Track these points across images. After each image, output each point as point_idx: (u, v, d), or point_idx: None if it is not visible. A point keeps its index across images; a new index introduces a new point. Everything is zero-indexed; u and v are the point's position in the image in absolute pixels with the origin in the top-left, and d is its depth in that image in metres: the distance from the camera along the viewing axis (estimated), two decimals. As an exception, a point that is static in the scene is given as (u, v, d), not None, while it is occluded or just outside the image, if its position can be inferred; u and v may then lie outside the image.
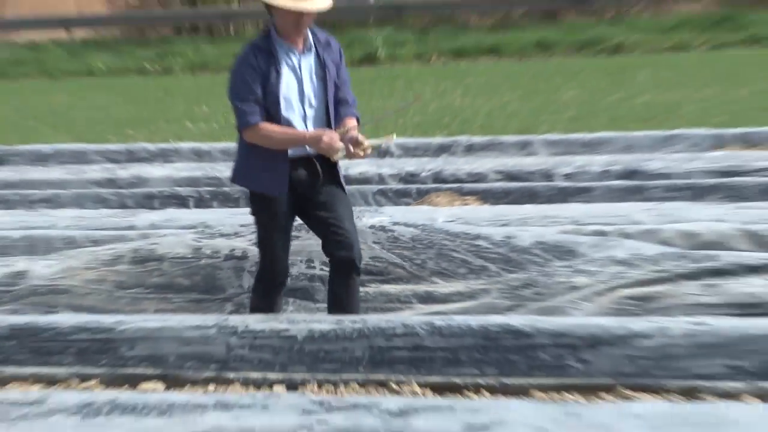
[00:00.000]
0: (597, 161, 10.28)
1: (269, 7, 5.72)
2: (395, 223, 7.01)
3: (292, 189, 5.83)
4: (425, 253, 6.87)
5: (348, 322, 5.97)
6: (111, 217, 8.74)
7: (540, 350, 5.81)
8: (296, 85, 5.83)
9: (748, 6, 23.65)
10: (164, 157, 11.48)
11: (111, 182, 10.23)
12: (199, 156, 11.42)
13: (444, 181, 9.72)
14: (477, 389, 5.81)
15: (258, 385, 5.92)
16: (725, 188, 9.19)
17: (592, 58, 22.02)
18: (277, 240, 5.92)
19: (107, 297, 6.94)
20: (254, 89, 5.78)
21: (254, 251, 6.82)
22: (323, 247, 5.94)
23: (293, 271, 6.90)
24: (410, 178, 9.62)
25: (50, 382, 6.16)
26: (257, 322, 6.15)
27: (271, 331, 5.97)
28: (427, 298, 6.61)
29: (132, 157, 11.59)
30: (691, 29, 22.65)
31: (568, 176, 9.67)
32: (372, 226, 7.01)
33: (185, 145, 11.97)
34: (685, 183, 9.36)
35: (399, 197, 9.30)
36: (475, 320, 5.93)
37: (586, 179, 9.76)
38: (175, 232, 7.82)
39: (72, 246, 7.77)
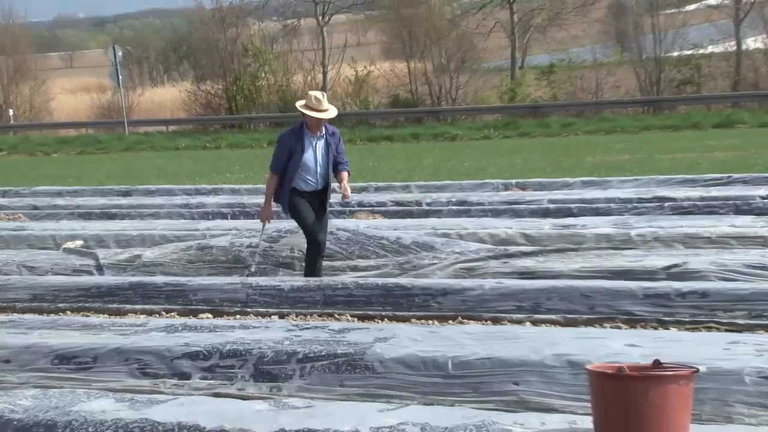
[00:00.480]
0: (444, 196, 12.07)
1: (303, 113, 7.53)
2: (338, 228, 7.66)
3: (308, 200, 7.58)
4: (354, 245, 7.62)
5: (312, 281, 6.84)
6: (186, 224, 9.87)
7: (415, 297, 6.88)
8: (312, 156, 7.62)
9: (521, 116, 25.53)
10: (215, 192, 14.42)
11: (186, 205, 12.89)
12: (234, 192, 14.27)
13: (363, 206, 10.71)
14: (382, 318, 6.86)
15: (263, 315, 7.00)
16: (511, 211, 10.63)
17: (440, 143, 23.84)
18: (308, 218, 7.48)
19: (183, 268, 7.69)
20: (282, 156, 7.61)
21: (263, 245, 7.63)
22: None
23: (285, 253, 8.08)
24: (346, 204, 10.50)
25: (150, 313, 7.23)
26: (263, 280, 7.01)
27: (270, 286, 6.90)
28: (354, 269, 7.60)
29: (198, 192, 14.53)
30: (491, 128, 29.36)
31: (429, 204, 10.60)
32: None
33: (226, 186, 15.13)
34: (490, 207, 10.88)
35: (339, 214, 10.76)
36: (380, 281, 7.17)
37: (438, 205, 11.20)
38: (220, 232, 8.64)
39: (165, 240, 9.10)
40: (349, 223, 9.14)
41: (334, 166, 7.73)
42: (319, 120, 7.48)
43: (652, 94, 31.61)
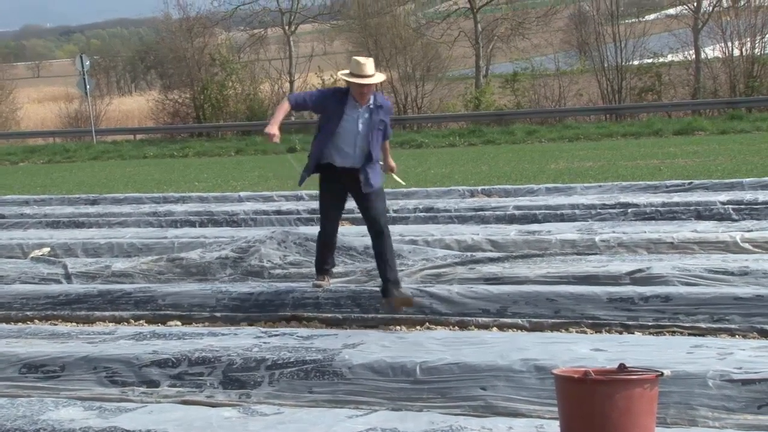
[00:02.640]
0: (411, 203, 12.05)
1: (345, 80, 6.67)
2: (306, 239, 7.81)
3: (340, 183, 6.78)
4: None
5: (282, 286, 6.78)
6: (154, 232, 9.88)
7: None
8: (354, 125, 6.69)
9: (485, 124, 25.85)
10: (183, 200, 14.25)
11: (154, 213, 12.62)
12: (202, 200, 14.16)
13: None
14: (350, 325, 6.81)
15: (232, 322, 7.02)
16: (477, 217, 10.66)
17: (407, 150, 24.16)
18: (328, 216, 6.87)
19: (153, 279, 7.60)
20: (309, 101, 6.77)
21: (233, 256, 7.92)
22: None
23: (254, 262, 8.00)
24: (314, 211, 10.47)
25: (118, 321, 7.05)
26: (232, 287, 6.98)
27: (240, 292, 6.92)
28: None
29: (166, 200, 14.33)
30: (456, 136, 29.37)
31: (396, 211, 10.70)
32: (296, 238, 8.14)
33: (194, 194, 15.01)
34: (456, 214, 10.93)
35: (308, 222, 10.80)
36: (349, 287, 7.19)
37: (405, 212, 11.44)
38: (188, 240, 8.61)
39: (133, 248, 8.98)
40: (317, 231, 9.02)
41: (384, 137, 6.89)
42: (362, 86, 6.54)
43: (614, 101, 31.93)
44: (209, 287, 7.34)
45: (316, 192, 14.71)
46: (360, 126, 6.64)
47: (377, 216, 6.76)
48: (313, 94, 6.84)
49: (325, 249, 6.96)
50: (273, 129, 6.59)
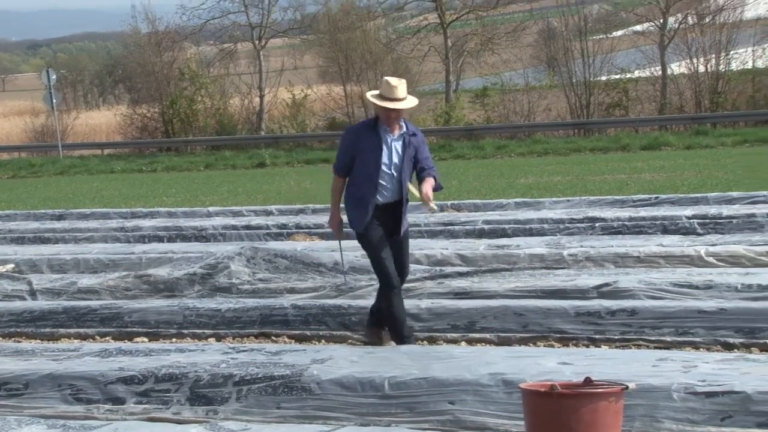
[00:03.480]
0: None
1: (373, 103, 6.19)
2: (275, 255, 7.78)
3: (382, 220, 6.20)
4: (292, 273, 7.58)
5: (250, 302, 6.75)
6: (121, 248, 9.83)
7: (352, 317, 6.98)
8: (388, 158, 6.18)
9: (456, 139, 27.11)
10: (151, 215, 14.12)
11: (122, 229, 12.59)
12: (170, 215, 14.05)
13: (301, 228, 10.64)
14: (319, 340, 6.92)
15: (200, 338, 6.76)
16: (446, 232, 10.71)
17: None
18: (383, 255, 6.22)
19: (120, 296, 7.53)
20: (346, 155, 6.24)
21: (202, 272, 7.58)
22: None
23: (223, 279, 7.99)
24: (283, 226, 10.37)
25: (83, 338, 6.90)
26: (199, 302, 6.98)
27: (207, 308, 6.89)
28: (292, 291, 7.34)
29: (134, 215, 14.23)
30: None
31: None
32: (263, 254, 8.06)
33: (163, 209, 14.87)
34: (426, 228, 10.99)
35: (277, 236, 10.73)
36: (317, 302, 7.15)
37: None
38: (156, 255, 8.55)
39: (100, 264, 8.83)
40: (286, 246, 9.16)
41: (418, 172, 6.29)
42: (390, 111, 5.99)
43: (583, 117, 32.17)
44: (176, 303, 7.33)
45: (285, 206, 14.65)
46: (395, 158, 6.13)
47: (403, 266, 6.32)
48: (346, 145, 6.23)
49: (396, 305, 6.25)
50: (336, 219, 6.29)
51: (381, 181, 6.12)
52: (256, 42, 36.27)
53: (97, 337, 7.07)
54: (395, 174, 6.14)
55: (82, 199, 19.78)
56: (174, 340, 6.88)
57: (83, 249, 10.39)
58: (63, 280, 8.34)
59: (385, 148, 6.09)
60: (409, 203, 6.29)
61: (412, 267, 7.73)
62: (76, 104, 48.98)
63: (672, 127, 30.23)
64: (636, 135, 28.99)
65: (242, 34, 37.25)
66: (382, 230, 6.14)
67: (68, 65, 60.45)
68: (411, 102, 6.14)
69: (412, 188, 6.29)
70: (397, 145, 6.13)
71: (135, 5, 38.13)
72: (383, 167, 6.11)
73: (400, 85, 6.08)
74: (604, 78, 33.07)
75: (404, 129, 6.17)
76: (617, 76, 33.05)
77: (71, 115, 39.95)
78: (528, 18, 38.62)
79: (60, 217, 14.22)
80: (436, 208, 6.42)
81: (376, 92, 6.14)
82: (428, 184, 6.17)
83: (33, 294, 8.10)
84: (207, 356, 5.73)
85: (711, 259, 8.03)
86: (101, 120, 41.51)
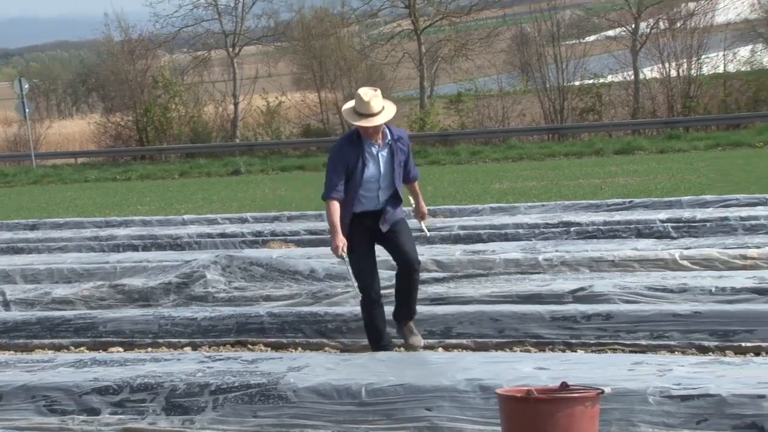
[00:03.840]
0: None
1: (350, 122, 5.96)
2: (251, 263, 7.98)
3: (369, 227, 6.01)
4: (268, 281, 7.52)
5: (226, 310, 6.73)
6: (95, 257, 9.76)
7: (328, 325, 6.93)
8: (375, 170, 5.94)
9: (430, 144, 27.72)
10: (126, 224, 13.97)
11: (96, 238, 12.47)
12: (145, 224, 13.89)
13: (276, 235, 10.59)
14: (295, 347, 6.88)
15: (175, 347, 6.73)
16: (422, 238, 10.01)
17: None
18: (362, 267, 6.04)
19: (94, 306, 7.49)
20: (340, 175, 5.86)
21: (177, 281, 7.55)
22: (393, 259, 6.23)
23: (198, 289, 7.84)
24: (258, 233, 10.31)
25: (58, 348, 6.84)
26: (175, 311, 6.93)
27: (183, 317, 6.87)
28: (268, 299, 7.31)
29: (108, 224, 14.06)
30: None
31: None
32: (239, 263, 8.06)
33: (137, 218, 14.80)
34: None
35: (252, 244, 10.68)
36: (293, 309, 7.11)
37: None
38: (131, 264, 8.48)
39: (74, 273, 8.72)
40: (262, 254, 9.10)
41: (407, 178, 6.19)
42: (372, 129, 5.79)
43: (557, 121, 32.32)
44: (151, 312, 7.29)
45: (261, 214, 14.58)
46: (382, 167, 5.90)
47: (407, 252, 6.06)
48: (338, 163, 5.87)
49: (376, 317, 6.16)
50: (338, 241, 5.81)
51: (368, 194, 5.94)
52: (230, 49, 36.18)
53: (72, 348, 7.02)
54: (383, 185, 5.96)
55: (56, 208, 19.64)
56: (149, 349, 6.84)
57: (57, 259, 10.32)
58: (37, 291, 8.29)
59: (371, 161, 5.88)
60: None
61: (387, 273, 7.43)
62: (49, 113, 48.63)
63: (645, 132, 30.42)
64: (609, 139, 29.15)
65: (216, 42, 37.15)
66: (366, 238, 5.99)
67: (41, 74, 60.08)
68: (388, 113, 5.86)
69: (423, 226, 6.36)
70: (384, 154, 5.92)
71: (107, 13, 38.10)
72: (372, 180, 5.91)
73: (374, 98, 5.83)
74: (577, 83, 33.24)
75: (388, 136, 5.95)
76: (590, 81, 33.23)
77: (44, 124, 39.67)
78: (501, 24, 38.76)
79: (33, 227, 14.09)
80: (428, 234, 6.57)
81: (351, 105, 5.90)
82: (420, 195, 6.25)
83: (6, 305, 8.04)
84: (183, 365, 5.70)
85: (685, 263, 8.06)
86: (74, 129, 41.24)
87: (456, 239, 10.35)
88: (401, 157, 6.00)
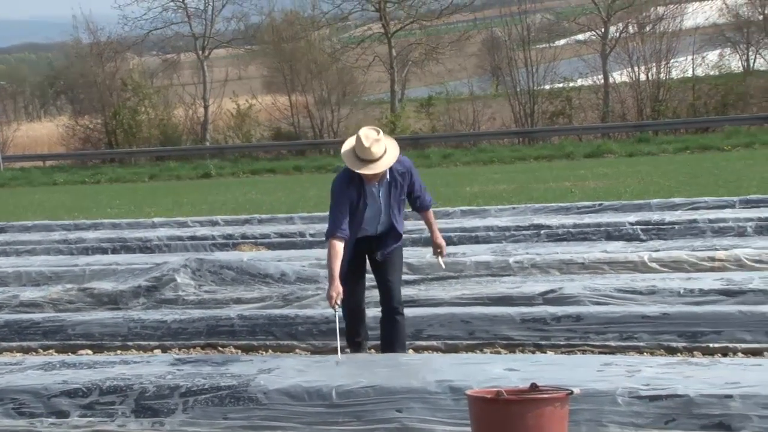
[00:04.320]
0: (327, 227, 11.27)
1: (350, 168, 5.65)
2: (221, 267, 7.76)
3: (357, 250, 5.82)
4: (239, 285, 7.48)
5: (196, 313, 6.69)
6: (64, 260, 9.67)
7: (299, 327, 6.94)
8: (375, 207, 5.76)
9: (401, 148, 27.64)
10: (95, 227, 13.80)
11: (65, 241, 12.41)
12: (114, 227, 13.76)
13: (247, 238, 10.54)
14: (266, 350, 6.85)
15: (145, 349, 6.76)
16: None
17: (323, 175, 25.54)
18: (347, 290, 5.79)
19: (62, 308, 7.45)
20: (344, 212, 5.62)
21: (147, 285, 7.51)
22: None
23: (169, 293, 7.79)
24: (229, 236, 10.26)
25: (26, 351, 6.80)
26: (144, 314, 6.89)
27: (153, 319, 6.86)
28: (238, 302, 7.29)
29: (77, 227, 13.88)
30: None
31: (312, 235, 10.55)
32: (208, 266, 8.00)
33: (107, 221, 14.61)
34: None
35: (223, 247, 10.67)
36: (264, 312, 7.05)
37: (322, 237, 10.79)
38: (100, 267, 8.43)
39: (42, 276, 8.59)
40: (232, 257, 9.10)
41: (417, 205, 5.97)
42: (374, 176, 5.57)
43: (527, 125, 32.48)
44: (121, 315, 7.28)
45: (231, 217, 14.48)
46: (383, 204, 5.71)
47: (390, 289, 5.90)
48: (338, 200, 5.63)
49: (355, 319, 6.02)
50: (334, 289, 5.53)
51: (366, 226, 5.77)
52: (200, 52, 36.04)
53: (40, 351, 6.97)
54: (382, 218, 5.76)
55: (24, 211, 19.47)
56: (119, 352, 6.81)
57: (25, 262, 10.25)
58: (4, 294, 8.23)
59: (370, 201, 5.69)
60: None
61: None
62: (16, 116, 48.18)
63: (615, 135, 30.64)
64: (579, 143, 29.34)
65: (185, 45, 37.01)
66: (361, 267, 5.84)
67: (8, 76, 59.53)
68: (390, 157, 5.54)
69: (440, 261, 6.08)
70: (383, 192, 5.73)
71: (76, 15, 37.68)
72: (371, 217, 5.72)
73: (375, 143, 5.52)
74: (547, 87, 33.43)
75: (387, 176, 5.68)
76: (560, 85, 33.44)
77: (11, 127, 39.31)
78: (472, 28, 38.90)
79: (1, 230, 13.97)
80: (444, 266, 6.30)
81: (350, 148, 5.59)
82: (435, 227, 5.96)
83: (-26, 308, 8.01)
84: (152, 368, 5.69)
85: (654, 265, 8.12)
86: (43, 131, 40.89)
87: (426, 242, 10.24)
88: (398, 192, 5.73)
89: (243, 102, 34.68)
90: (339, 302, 5.63)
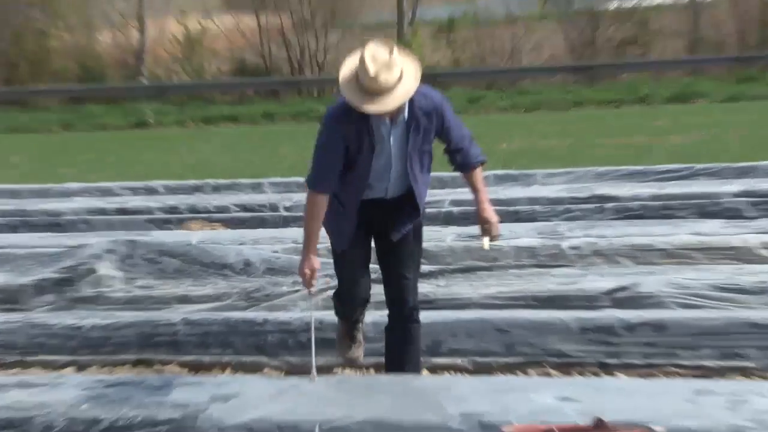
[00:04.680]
0: None
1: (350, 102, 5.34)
2: (161, 253, 7.96)
3: (367, 225, 5.65)
4: (186, 277, 7.86)
5: (126, 317, 7.03)
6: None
7: (268, 336, 6.74)
8: (384, 157, 5.47)
9: None
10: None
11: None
12: (13, 194, 13.63)
13: (198, 212, 11.21)
14: (222, 368, 6.65)
15: (53, 367, 6.75)
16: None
17: (303, 125, 24.92)
18: (351, 275, 5.76)
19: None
20: (332, 160, 5.38)
21: (56, 278, 7.92)
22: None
23: (87, 289, 7.84)
24: (172, 209, 10.98)
25: None
26: (51, 318, 7.11)
27: (64, 325, 7.32)
28: (184, 301, 7.38)
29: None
30: None
31: (288, 208, 10.53)
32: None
33: (1, 186, 14.28)
34: None
35: (164, 224, 10.68)
36: (220, 315, 7.01)
37: (301, 210, 10.80)
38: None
39: None
40: (177, 238, 8.96)
41: (458, 162, 5.69)
42: (380, 114, 5.29)
43: (586, 58, 32.43)
44: (19, 319, 7.20)
45: (176, 182, 14.39)
46: (395, 151, 5.42)
47: (403, 287, 5.78)
48: (331, 145, 5.33)
49: (354, 318, 6.01)
50: (309, 264, 5.45)
51: (375, 183, 5.50)
52: (135, -46, 36.10)
53: None
54: (393, 171, 5.48)
55: None
56: (15, 370, 6.75)
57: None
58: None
59: (381, 145, 5.40)
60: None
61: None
62: None
63: (708, 72, 30.58)
64: (659, 82, 29.28)
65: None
66: (366, 242, 5.67)
67: None
68: (407, 86, 5.20)
69: (486, 243, 5.67)
70: (397, 135, 5.42)
71: None
72: (378, 169, 5.47)
73: (384, 69, 5.16)
74: (614, 5, 33.36)
75: (405, 110, 5.37)
76: (633, 3, 33.38)
77: None
78: None
79: None
80: (488, 247, 5.87)
81: (351, 75, 5.30)
82: (483, 192, 5.65)
83: None
84: (62, 393, 5.62)
85: (765, 253, 8.11)
86: None
87: (447, 219, 10.29)
88: (420, 141, 5.43)
89: (194, 24, 34.63)
90: (314, 285, 5.44)
